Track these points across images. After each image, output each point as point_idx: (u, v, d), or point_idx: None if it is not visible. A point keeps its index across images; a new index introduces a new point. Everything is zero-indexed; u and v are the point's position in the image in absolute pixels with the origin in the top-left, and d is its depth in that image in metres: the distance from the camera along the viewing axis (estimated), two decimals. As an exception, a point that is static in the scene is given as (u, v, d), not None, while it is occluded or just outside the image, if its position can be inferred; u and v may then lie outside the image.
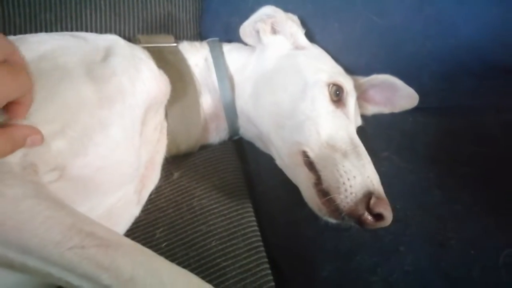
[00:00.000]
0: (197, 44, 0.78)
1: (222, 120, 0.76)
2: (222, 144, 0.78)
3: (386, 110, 0.79)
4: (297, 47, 0.75)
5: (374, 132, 0.69)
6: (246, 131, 0.76)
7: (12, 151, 0.42)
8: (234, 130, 0.77)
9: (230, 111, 0.74)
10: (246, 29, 0.75)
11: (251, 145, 0.77)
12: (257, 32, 0.75)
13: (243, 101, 0.73)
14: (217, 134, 0.78)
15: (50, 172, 0.48)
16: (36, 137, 0.44)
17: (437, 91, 0.74)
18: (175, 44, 0.75)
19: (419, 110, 0.73)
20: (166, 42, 0.74)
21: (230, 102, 0.74)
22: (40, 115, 0.47)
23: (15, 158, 0.44)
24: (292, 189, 0.64)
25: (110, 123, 0.54)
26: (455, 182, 0.61)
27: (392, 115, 0.77)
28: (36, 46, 0.55)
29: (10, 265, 0.40)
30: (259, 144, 0.76)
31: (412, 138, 0.69)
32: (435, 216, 0.59)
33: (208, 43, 0.78)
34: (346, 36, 0.75)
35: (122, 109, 0.55)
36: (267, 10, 0.73)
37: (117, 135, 0.55)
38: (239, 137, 0.79)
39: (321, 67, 0.70)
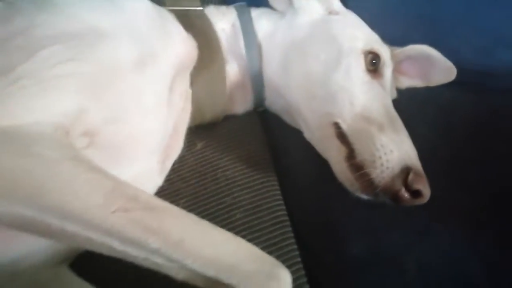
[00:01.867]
0: (223, 8, 0.75)
1: (249, 90, 0.72)
2: (247, 115, 0.75)
3: (421, 83, 0.75)
4: (331, 13, 0.71)
5: (408, 107, 0.65)
6: (273, 102, 0.73)
7: None
8: (260, 101, 0.74)
9: (257, 80, 0.71)
10: None
11: (276, 117, 0.74)
12: None
13: (272, 70, 0.69)
14: (243, 104, 0.74)
15: (81, 138, 0.46)
16: None
17: (475, 66, 0.70)
18: (201, 8, 0.71)
19: (457, 84, 0.68)
20: (192, 6, 0.70)
21: (257, 71, 0.70)
22: (74, 77, 0.45)
23: (47, 119, 0.42)
24: (321, 163, 0.61)
25: (142, 89, 0.52)
26: (493, 160, 0.58)
27: (428, 89, 0.73)
28: (64, 6, 0.52)
29: (48, 232, 0.38)
30: (285, 117, 0.73)
31: (448, 114, 0.65)
32: (472, 195, 0.56)
33: (235, 7, 0.74)
34: (382, 3, 0.71)
35: (153, 74, 0.53)
36: None
37: (149, 101, 0.53)
38: (264, 109, 0.76)
39: (357, 34, 0.66)
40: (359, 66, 0.62)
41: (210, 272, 0.39)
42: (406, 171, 0.53)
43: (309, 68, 0.64)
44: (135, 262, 0.40)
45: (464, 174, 0.58)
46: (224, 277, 0.39)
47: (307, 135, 0.65)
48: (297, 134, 0.67)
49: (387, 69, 0.66)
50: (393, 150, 0.54)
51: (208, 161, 0.66)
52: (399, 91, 0.72)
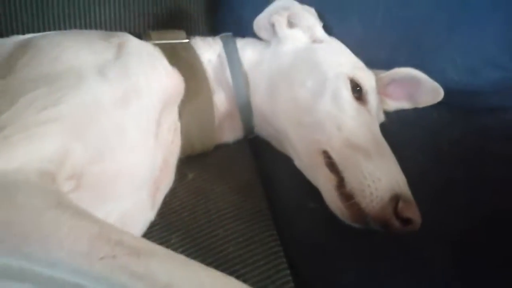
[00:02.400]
0: (209, 39, 0.76)
1: (237, 119, 0.73)
2: (237, 143, 0.75)
3: (408, 105, 0.76)
4: (315, 41, 0.72)
5: (396, 129, 0.66)
6: (262, 129, 0.73)
7: None
8: (249, 129, 0.74)
9: (245, 109, 0.71)
10: (260, 22, 0.72)
11: (267, 144, 0.74)
12: (272, 25, 0.72)
13: (259, 98, 0.70)
14: (232, 133, 0.75)
15: (67, 181, 0.46)
16: None
17: (462, 86, 0.70)
18: (187, 40, 0.72)
19: (444, 105, 0.69)
20: (178, 38, 0.71)
21: (244, 99, 0.71)
22: (58, 121, 0.45)
23: (31, 166, 0.42)
24: (312, 191, 0.61)
25: (127, 125, 0.52)
26: (483, 183, 0.58)
27: (415, 110, 0.74)
28: (48, 48, 0.53)
29: (37, 280, 0.38)
30: (275, 144, 0.73)
31: (437, 136, 0.66)
32: (462, 219, 0.56)
33: (221, 38, 0.75)
34: (365, 29, 0.73)
35: (138, 110, 0.54)
36: (282, 2, 0.70)
37: (134, 137, 0.53)
38: (254, 136, 0.76)
39: (341, 61, 0.67)
40: (345, 92, 0.63)
41: None
42: (395, 199, 0.53)
43: (296, 95, 0.65)
44: None
45: (454, 197, 0.58)
46: None
47: (297, 162, 0.65)
48: (287, 160, 0.67)
49: (371, 96, 0.66)
50: (381, 178, 0.54)
51: (199, 193, 0.65)
52: (387, 114, 0.73)
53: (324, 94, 0.63)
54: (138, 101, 0.54)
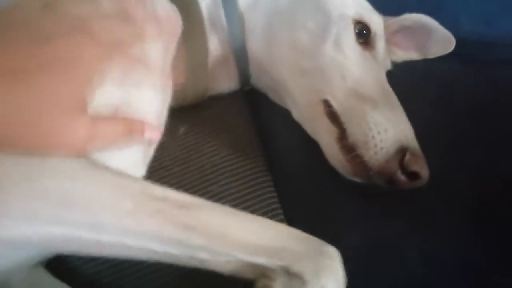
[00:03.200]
0: None
1: (232, 66, 0.66)
2: (233, 95, 0.70)
3: (418, 55, 0.70)
4: None
5: (405, 82, 0.61)
6: (259, 79, 0.68)
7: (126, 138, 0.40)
8: (245, 78, 0.68)
9: (241, 55, 0.65)
10: None
11: (264, 97, 0.69)
12: None
13: (255, 43, 0.64)
14: (227, 82, 0.69)
15: None
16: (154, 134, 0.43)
17: (476, 36, 0.65)
18: None
19: (457, 56, 0.64)
20: None
21: (240, 44, 0.64)
22: None
23: None
24: (312, 144, 0.57)
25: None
26: (497, 138, 0.54)
27: (425, 62, 0.68)
28: None
29: (84, 246, 0.36)
30: (272, 95, 0.68)
31: (448, 89, 0.61)
32: (474, 177, 0.53)
33: None
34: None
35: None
36: None
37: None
38: (251, 88, 0.70)
39: (346, 1, 0.61)
40: (349, 36, 0.58)
41: (260, 259, 0.37)
42: (402, 151, 0.49)
43: (295, 39, 0.59)
44: (177, 263, 0.37)
45: (465, 154, 0.54)
46: (275, 262, 0.37)
47: (295, 114, 0.61)
48: (286, 114, 0.62)
49: (379, 40, 0.61)
50: (388, 129, 0.50)
51: (192, 147, 0.61)
52: (395, 65, 0.67)
53: (327, 37, 0.57)
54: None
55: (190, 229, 0.36)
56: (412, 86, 0.60)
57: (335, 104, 0.54)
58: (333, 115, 0.54)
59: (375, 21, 0.61)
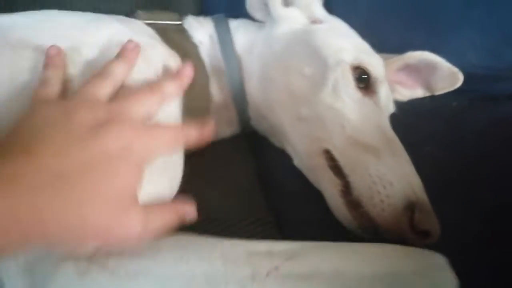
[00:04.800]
0: (202, 19, 0.67)
1: (232, 110, 0.64)
2: (234, 139, 0.67)
3: (423, 93, 0.68)
4: (314, 21, 0.63)
5: (411, 122, 0.58)
6: (258, 123, 0.65)
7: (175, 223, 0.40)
8: (245, 122, 0.66)
9: (240, 99, 0.63)
10: (253, 1, 0.64)
11: (267, 140, 0.66)
12: (266, 4, 0.63)
13: (253, 87, 0.62)
14: (227, 127, 0.66)
15: None
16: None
17: (482, 70, 0.63)
18: (180, 22, 0.64)
19: (464, 92, 0.62)
20: (170, 20, 0.63)
21: (239, 88, 0.62)
22: None
23: None
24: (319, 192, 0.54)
25: None
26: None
27: (432, 100, 0.66)
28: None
29: None
30: (273, 140, 0.65)
31: (457, 128, 0.58)
32: (489, 223, 0.49)
33: (212, 18, 0.67)
34: (374, 7, 0.64)
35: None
36: None
37: None
38: (252, 131, 0.68)
39: (343, 45, 0.59)
40: (348, 82, 0.55)
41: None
42: (410, 208, 0.46)
43: (292, 85, 0.57)
44: None
45: (479, 197, 0.51)
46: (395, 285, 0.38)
47: (297, 162, 0.58)
48: (290, 158, 0.60)
49: (381, 85, 0.58)
50: (393, 182, 0.47)
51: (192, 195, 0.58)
52: (400, 104, 0.64)
53: (324, 84, 0.55)
54: None
55: (305, 278, 0.37)
56: (419, 127, 0.58)
57: (336, 155, 0.51)
58: (335, 167, 0.51)
59: (375, 64, 0.59)
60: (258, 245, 0.39)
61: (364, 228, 0.48)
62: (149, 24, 0.59)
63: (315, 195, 0.55)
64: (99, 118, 0.37)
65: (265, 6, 0.63)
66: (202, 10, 0.81)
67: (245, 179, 0.61)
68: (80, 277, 0.34)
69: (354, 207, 0.48)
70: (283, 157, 0.62)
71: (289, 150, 0.59)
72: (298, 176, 0.58)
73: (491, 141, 0.55)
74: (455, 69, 0.63)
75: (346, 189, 0.49)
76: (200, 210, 0.56)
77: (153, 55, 0.51)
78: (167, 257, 0.37)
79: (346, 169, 0.50)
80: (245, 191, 0.59)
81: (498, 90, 0.64)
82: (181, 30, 0.63)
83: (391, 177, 0.47)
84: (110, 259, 0.35)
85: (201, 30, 0.65)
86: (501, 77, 0.63)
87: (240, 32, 0.65)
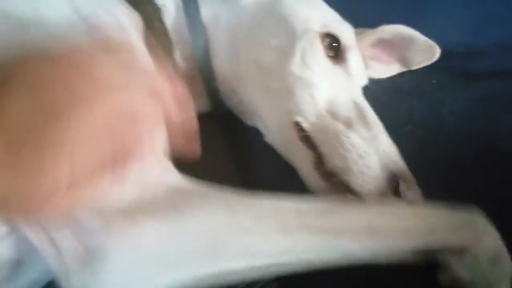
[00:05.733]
0: None
1: (199, 82, 0.60)
2: (206, 120, 0.63)
3: (400, 67, 0.66)
4: None
5: (391, 101, 0.56)
6: (228, 97, 0.62)
7: None
8: (214, 97, 0.61)
9: (206, 71, 0.59)
10: None
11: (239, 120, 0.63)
12: None
13: (220, 60, 0.58)
14: (196, 101, 0.62)
15: None
16: None
17: (463, 47, 0.61)
18: None
19: (444, 70, 0.60)
20: None
21: (204, 57, 0.58)
22: None
23: None
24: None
25: None
26: (497, 162, 0.50)
27: (412, 77, 0.64)
28: None
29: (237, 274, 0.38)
30: (245, 117, 0.62)
31: (438, 106, 0.57)
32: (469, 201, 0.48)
33: None
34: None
35: None
36: None
37: None
38: (224, 111, 0.64)
39: (311, 14, 0.57)
40: (316, 50, 0.53)
41: (417, 244, 0.39)
42: (393, 178, 0.45)
43: (260, 57, 0.55)
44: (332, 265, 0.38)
45: (459, 176, 0.50)
46: (433, 243, 0.39)
47: (269, 138, 0.56)
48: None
49: (351, 52, 0.56)
50: (369, 152, 0.46)
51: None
52: (378, 82, 0.63)
53: (292, 54, 0.53)
54: None
55: (340, 233, 0.38)
56: (399, 106, 0.56)
57: (306, 126, 0.50)
58: (306, 139, 0.50)
59: (344, 31, 0.57)
60: (285, 202, 0.39)
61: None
62: None
63: (292, 175, 0.53)
64: None
65: None
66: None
67: (219, 162, 0.58)
68: (134, 227, 0.34)
69: (329, 178, 0.47)
70: (257, 136, 0.59)
71: (260, 125, 0.57)
72: (273, 156, 0.55)
73: (472, 120, 0.54)
74: (431, 43, 0.61)
75: (319, 160, 0.48)
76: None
77: (115, 12, 0.49)
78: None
79: (317, 139, 0.49)
80: (220, 178, 0.56)
81: (480, 67, 0.62)
82: None
83: (365, 146, 0.46)
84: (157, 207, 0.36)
85: None
86: (482, 53, 0.62)
87: (206, 1, 0.60)
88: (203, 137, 0.60)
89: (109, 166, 0.31)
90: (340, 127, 0.48)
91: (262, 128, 0.57)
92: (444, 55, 0.60)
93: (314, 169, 0.49)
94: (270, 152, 0.56)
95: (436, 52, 0.62)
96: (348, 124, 0.49)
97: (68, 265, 0.34)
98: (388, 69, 0.66)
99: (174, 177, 0.41)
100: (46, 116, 0.28)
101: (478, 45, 0.61)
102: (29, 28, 0.42)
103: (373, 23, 0.62)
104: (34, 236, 0.35)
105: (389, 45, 0.65)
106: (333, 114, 0.50)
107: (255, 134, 0.60)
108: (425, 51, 0.63)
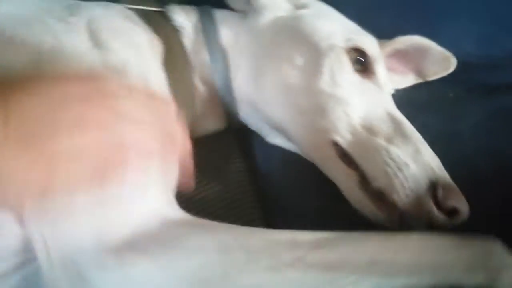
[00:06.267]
0: (187, 7, 0.63)
1: (218, 104, 0.60)
2: (222, 136, 0.64)
3: (416, 78, 0.65)
4: (298, 7, 0.60)
5: (406, 115, 0.55)
6: (250, 117, 0.62)
7: None
8: (233, 116, 0.62)
9: (226, 92, 0.59)
10: None
11: (257, 135, 0.63)
12: None
13: (241, 81, 0.58)
14: (213, 120, 0.63)
15: None
16: None
17: (479, 59, 0.60)
18: (162, 9, 0.60)
19: (460, 83, 0.59)
20: (152, 6, 0.60)
21: (224, 80, 0.59)
22: None
23: None
24: (318, 189, 0.53)
25: None
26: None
27: (428, 91, 0.63)
28: None
29: None
30: (268, 135, 0.62)
31: (455, 121, 0.56)
32: (491, 218, 0.47)
33: (198, 9, 0.63)
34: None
35: None
36: None
37: None
38: (240, 126, 0.64)
39: (333, 28, 0.56)
40: (344, 66, 0.53)
41: (426, 279, 0.34)
42: (433, 187, 0.44)
43: (286, 77, 0.54)
44: None
45: (480, 194, 0.49)
46: (446, 278, 0.35)
47: (306, 156, 0.56)
48: (283, 155, 0.58)
49: (378, 63, 0.56)
50: (409, 163, 0.45)
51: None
52: (396, 96, 0.62)
53: (320, 72, 0.52)
54: None
55: (338, 267, 0.34)
56: (415, 119, 0.55)
57: (344, 145, 0.49)
58: (346, 157, 0.49)
59: (369, 43, 0.56)
60: (280, 234, 0.37)
61: (391, 218, 0.45)
62: (131, 9, 0.56)
63: (308, 188, 0.54)
64: None
65: None
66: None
67: (236, 179, 0.58)
68: (122, 266, 0.34)
69: (377, 197, 0.46)
70: (273, 151, 0.59)
71: (295, 144, 0.57)
72: (290, 169, 0.56)
73: (491, 135, 0.53)
74: (447, 53, 0.61)
75: (363, 179, 0.47)
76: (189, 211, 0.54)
77: (133, 36, 0.50)
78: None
79: (357, 157, 0.48)
80: (235, 191, 0.56)
81: (497, 79, 0.61)
82: (163, 15, 0.59)
83: (405, 158, 0.46)
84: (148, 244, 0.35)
85: (184, 17, 0.61)
86: (500, 65, 0.60)
87: (225, 23, 0.61)
88: (221, 153, 0.61)
89: (85, 181, 0.34)
90: (379, 142, 0.47)
91: (297, 146, 0.57)
92: (460, 67, 0.59)
93: (360, 189, 0.48)
94: (284, 165, 0.56)
95: (452, 63, 0.61)
96: (387, 139, 0.48)
97: (56, 274, 0.35)
98: (403, 80, 0.66)
99: (173, 211, 0.40)
100: (53, 127, 0.32)
101: (494, 56, 0.60)
102: (45, 56, 0.43)
103: (389, 36, 0.62)
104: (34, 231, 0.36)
105: (405, 56, 0.64)
106: (369, 129, 0.49)
107: (270, 148, 0.60)
108: (441, 61, 0.62)
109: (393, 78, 0.65)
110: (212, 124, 0.63)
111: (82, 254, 0.34)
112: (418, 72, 0.65)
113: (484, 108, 0.56)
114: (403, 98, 0.60)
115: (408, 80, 0.66)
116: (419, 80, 0.65)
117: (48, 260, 0.35)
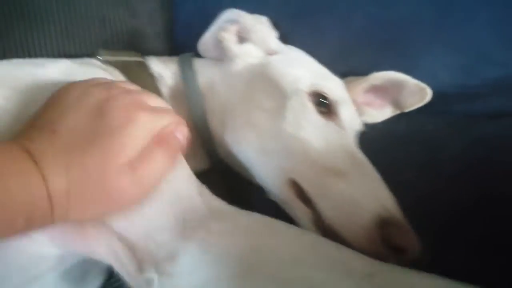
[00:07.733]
0: (166, 58, 0.67)
1: (197, 145, 0.62)
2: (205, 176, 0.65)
3: (393, 110, 0.67)
4: (270, 53, 0.63)
5: (386, 148, 0.56)
6: (228, 159, 0.63)
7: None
8: (214, 158, 0.64)
9: (205, 134, 0.62)
10: (208, 42, 0.64)
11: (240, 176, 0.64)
12: (221, 43, 0.62)
13: (216, 125, 0.61)
14: (194, 161, 0.64)
15: None
16: None
17: (457, 88, 0.61)
18: (141, 59, 0.64)
19: (440, 115, 0.60)
20: (131, 57, 0.63)
21: (203, 124, 0.61)
22: None
23: None
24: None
25: None
26: (494, 206, 0.49)
27: (408, 123, 0.64)
28: None
29: None
30: (243, 174, 0.63)
31: (435, 152, 0.56)
32: (475, 253, 0.47)
33: (179, 57, 0.66)
34: (343, 33, 0.63)
35: None
36: (229, 15, 0.61)
37: None
38: (224, 168, 0.65)
39: (299, 73, 0.59)
40: (307, 109, 0.55)
41: None
42: (382, 224, 0.44)
43: (254, 120, 0.56)
44: None
45: (462, 226, 0.49)
46: None
47: (271, 195, 0.56)
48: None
49: (341, 106, 0.57)
50: (359, 200, 0.46)
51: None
52: (374, 128, 0.63)
53: (284, 115, 0.54)
54: None
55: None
56: (395, 153, 0.56)
57: (303, 183, 0.50)
58: (303, 196, 0.50)
59: (333, 87, 0.58)
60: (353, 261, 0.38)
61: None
62: (109, 62, 0.59)
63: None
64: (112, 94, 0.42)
65: (220, 44, 0.62)
66: (172, 48, 0.80)
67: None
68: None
69: (331, 235, 0.46)
70: (258, 192, 0.60)
71: (260, 184, 0.58)
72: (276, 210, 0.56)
73: (470, 165, 0.53)
74: (422, 85, 0.62)
75: (318, 217, 0.48)
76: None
77: None
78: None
79: (314, 196, 0.49)
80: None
81: (477, 109, 0.61)
82: (141, 65, 0.63)
83: (355, 194, 0.46)
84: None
85: (162, 66, 0.64)
86: (480, 95, 0.61)
87: (203, 70, 0.64)
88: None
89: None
90: (335, 181, 0.48)
91: (263, 187, 0.58)
92: (439, 98, 0.59)
93: (313, 226, 0.48)
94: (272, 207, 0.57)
95: (427, 93, 0.62)
96: (340, 175, 0.48)
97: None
98: (382, 113, 0.67)
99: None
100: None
101: (473, 86, 0.60)
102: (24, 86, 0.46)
103: (366, 72, 0.64)
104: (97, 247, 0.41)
105: (381, 90, 0.66)
106: (328, 169, 0.50)
107: (255, 189, 0.61)
108: (417, 93, 0.63)
109: (371, 112, 0.67)
110: (194, 164, 0.65)
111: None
112: (396, 104, 0.66)
113: (464, 139, 0.56)
114: (383, 131, 0.61)
115: (386, 112, 0.67)
116: (397, 112, 0.67)
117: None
